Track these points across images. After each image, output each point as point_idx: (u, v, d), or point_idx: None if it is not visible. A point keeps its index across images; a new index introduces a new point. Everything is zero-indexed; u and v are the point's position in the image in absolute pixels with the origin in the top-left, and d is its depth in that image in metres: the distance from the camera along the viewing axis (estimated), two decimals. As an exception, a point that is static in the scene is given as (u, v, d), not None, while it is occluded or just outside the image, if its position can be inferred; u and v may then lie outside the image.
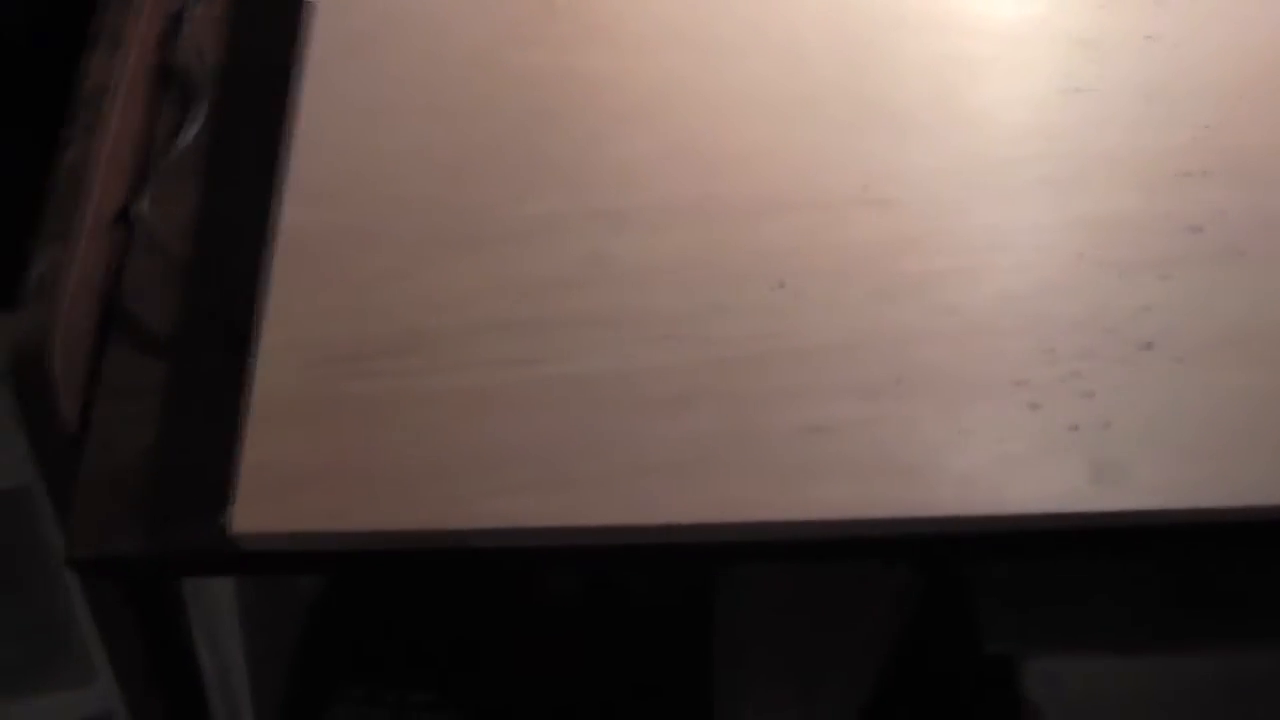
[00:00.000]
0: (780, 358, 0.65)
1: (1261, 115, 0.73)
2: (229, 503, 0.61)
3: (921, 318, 0.66)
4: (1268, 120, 0.73)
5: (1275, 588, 0.84)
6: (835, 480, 0.62)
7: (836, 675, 0.96)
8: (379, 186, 0.70)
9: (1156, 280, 0.67)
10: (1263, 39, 0.75)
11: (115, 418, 0.67)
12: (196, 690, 0.77)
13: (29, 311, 0.66)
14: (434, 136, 0.72)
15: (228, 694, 0.94)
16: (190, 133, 0.76)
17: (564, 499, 0.61)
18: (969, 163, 0.71)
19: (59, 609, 0.89)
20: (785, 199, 0.69)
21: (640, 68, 0.74)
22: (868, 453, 0.62)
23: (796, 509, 0.61)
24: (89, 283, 0.70)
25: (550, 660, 1.04)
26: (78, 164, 0.71)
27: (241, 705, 0.97)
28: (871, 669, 0.94)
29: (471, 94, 0.73)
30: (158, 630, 0.71)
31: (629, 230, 0.68)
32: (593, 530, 0.61)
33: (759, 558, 0.63)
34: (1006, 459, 0.62)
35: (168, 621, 0.72)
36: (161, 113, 0.78)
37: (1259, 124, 0.73)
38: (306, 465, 0.62)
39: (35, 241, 0.69)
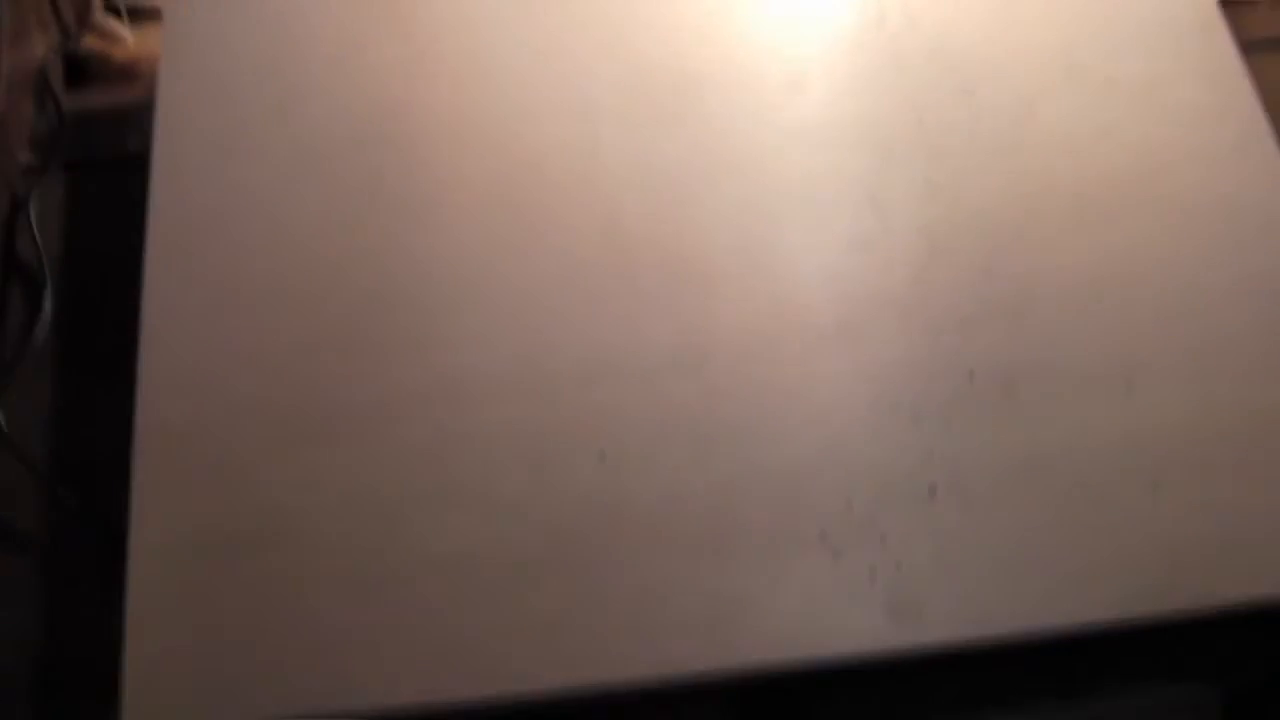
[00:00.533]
0: (607, 526, 0.71)
1: (1032, 259, 0.80)
2: (119, 698, 0.65)
3: (733, 476, 0.73)
4: (1040, 260, 0.80)
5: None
6: (667, 637, 0.68)
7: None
8: (229, 379, 0.75)
9: (940, 425, 0.75)
10: (1035, 185, 0.82)
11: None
12: None
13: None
14: (276, 325, 0.76)
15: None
16: (41, 331, 0.80)
17: (433, 674, 0.67)
18: (772, 317, 0.77)
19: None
20: (605, 368, 0.75)
21: (465, 242, 0.79)
22: (694, 608, 0.69)
23: (636, 667, 0.68)
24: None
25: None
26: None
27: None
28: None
29: (307, 280, 0.78)
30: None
31: (462, 407, 0.74)
32: (447, 703, 0.67)
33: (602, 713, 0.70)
34: (814, 605, 0.70)
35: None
36: (8, 307, 0.82)
37: (1031, 264, 0.80)
38: (189, 654, 0.67)
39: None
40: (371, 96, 0.83)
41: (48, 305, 0.82)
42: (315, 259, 0.78)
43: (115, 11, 0.99)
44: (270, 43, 0.85)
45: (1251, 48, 0.90)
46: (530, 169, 0.81)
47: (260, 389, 0.74)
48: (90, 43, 0.98)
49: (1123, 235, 0.81)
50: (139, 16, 1.00)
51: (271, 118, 0.82)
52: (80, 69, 0.97)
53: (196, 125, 0.82)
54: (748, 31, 0.87)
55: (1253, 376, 0.77)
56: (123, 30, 0.98)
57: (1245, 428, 0.76)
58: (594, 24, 0.86)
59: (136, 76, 0.97)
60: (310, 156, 0.81)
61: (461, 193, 0.81)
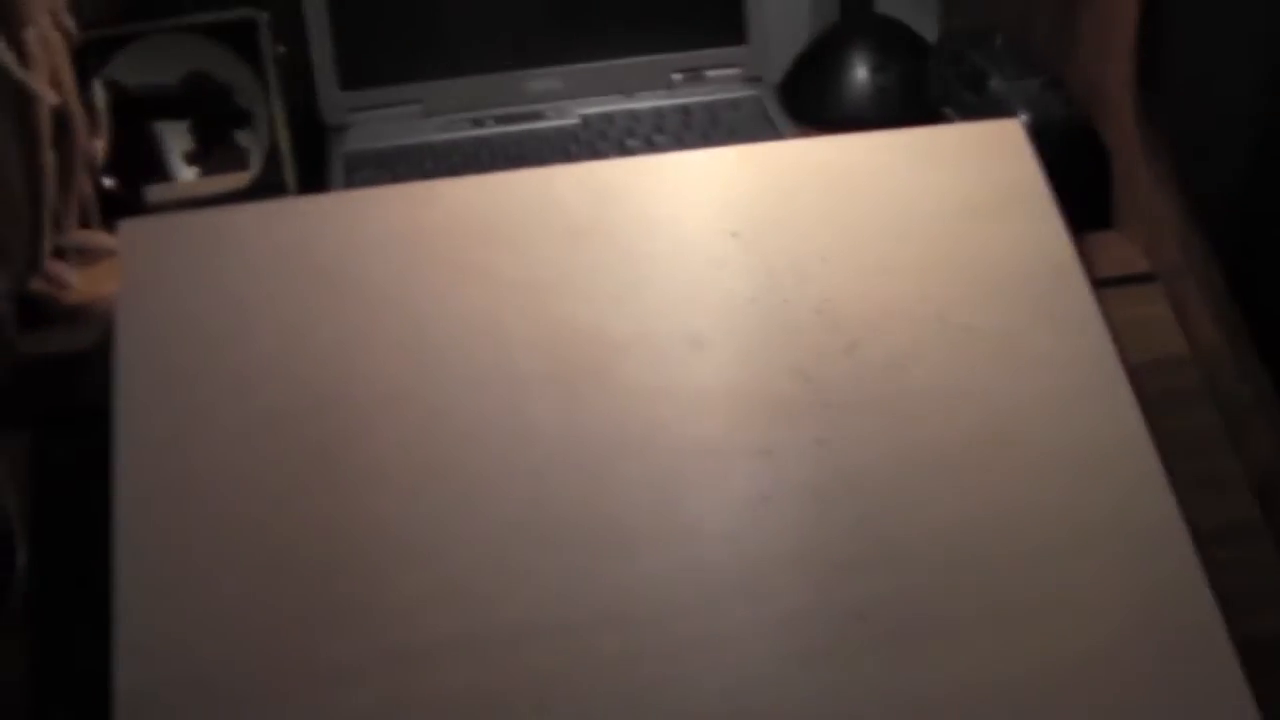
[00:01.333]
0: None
1: (912, 507, 0.91)
2: None
3: (661, 721, 0.83)
4: (918, 511, 0.90)
5: None
6: None
7: None
8: (199, 646, 0.82)
9: (836, 668, 0.85)
10: (909, 440, 0.93)
11: None
12: None
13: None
14: (240, 594, 0.84)
15: None
16: (15, 596, 0.87)
17: None
18: (684, 574, 0.87)
19: None
20: (536, 629, 0.85)
21: (407, 510, 0.88)
22: None
23: None
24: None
25: None
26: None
27: None
28: None
29: (262, 551, 0.85)
30: None
31: (424, 666, 0.83)
32: None
33: None
34: None
35: None
36: (-15, 567, 0.89)
37: (909, 515, 0.90)
38: None
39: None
40: (321, 370, 0.92)
41: (21, 563, 0.88)
42: (277, 528, 0.86)
43: (61, 254, 1.06)
44: (224, 319, 0.93)
45: (1104, 284, 1.03)
46: (465, 437, 0.90)
47: (233, 650, 0.82)
48: (38, 285, 1.04)
49: (988, 485, 0.92)
50: (83, 256, 1.08)
51: (228, 390, 0.90)
52: (30, 313, 1.04)
53: (157, 400, 0.90)
54: (653, 295, 0.97)
55: (1104, 617, 0.88)
56: (69, 275, 1.05)
57: (1103, 665, 0.86)
58: (517, 295, 0.96)
59: (86, 320, 1.04)
60: (267, 426, 0.89)
61: (402, 461, 0.89)
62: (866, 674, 0.85)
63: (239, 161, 1.20)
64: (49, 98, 1.00)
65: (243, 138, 1.21)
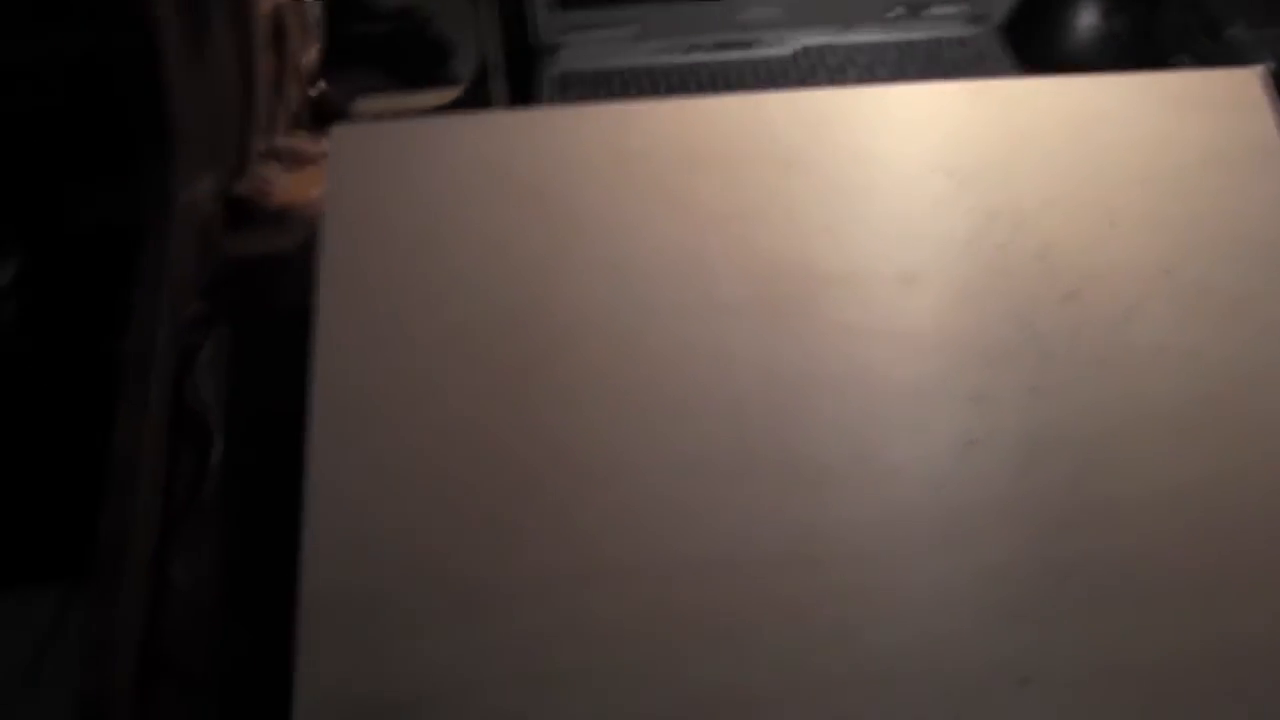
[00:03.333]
0: (724, 707, 0.79)
1: (1129, 466, 0.86)
2: None
3: (843, 667, 0.80)
4: (1135, 470, 0.86)
5: None
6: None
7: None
8: (386, 553, 0.82)
9: (1033, 624, 0.82)
10: (1131, 395, 0.89)
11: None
12: None
13: (88, 674, 0.78)
14: (431, 502, 0.83)
15: None
16: (209, 485, 0.88)
17: None
18: (880, 519, 0.84)
19: None
20: (725, 560, 0.82)
21: (603, 431, 0.86)
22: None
23: None
24: (132, 633, 0.82)
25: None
26: (116, 527, 0.83)
27: None
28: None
29: (458, 461, 0.85)
30: None
31: (599, 590, 0.81)
32: None
33: None
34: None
35: None
36: (180, 459, 0.90)
37: (1126, 474, 0.86)
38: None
39: (86, 601, 0.81)
40: (517, 288, 0.90)
41: (216, 459, 0.89)
42: (465, 442, 0.85)
43: (270, 157, 1.07)
44: (425, 230, 0.92)
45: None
46: (662, 365, 0.88)
47: (417, 562, 0.82)
48: (245, 187, 1.05)
49: (1210, 451, 0.87)
50: (291, 160, 1.08)
51: (425, 302, 0.89)
52: (236, 214, 1.05)
53: (354, 308, 0.89)
54: (864, 231, 0.94)
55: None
56: (279, 177, 1.05)
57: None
58: (722, 225, 0.93)
59: (290, 223, 1.04)
60: (460, 342, 0.88)
61: (599, 385, 0.87)
62: (1069, 636, 0.82)
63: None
64: (266, 1, 1.00)
65: (448, 71, 1.20)
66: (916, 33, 1.20)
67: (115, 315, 0.94)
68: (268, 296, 0.98)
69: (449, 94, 1.18)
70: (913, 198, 0.96)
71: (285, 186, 1.05)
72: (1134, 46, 1.19)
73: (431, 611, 0.80)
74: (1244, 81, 1.02)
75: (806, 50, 1.18)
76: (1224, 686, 0.80)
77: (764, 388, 0.88)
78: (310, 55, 1.12)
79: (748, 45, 1.19)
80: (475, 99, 1.17)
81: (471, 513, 0.83)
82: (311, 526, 0.82)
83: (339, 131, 0.98)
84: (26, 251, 1.20)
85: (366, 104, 1.19)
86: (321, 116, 1.12)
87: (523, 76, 1.19)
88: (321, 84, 1.14)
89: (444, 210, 0.94)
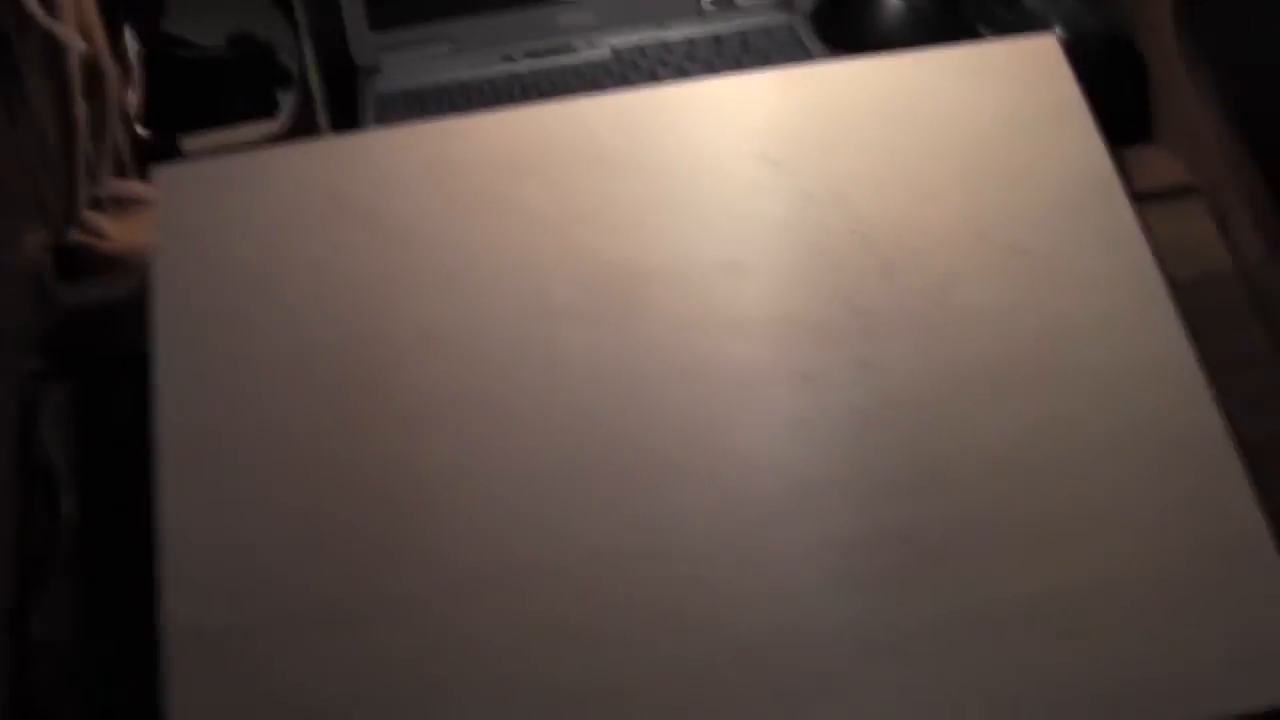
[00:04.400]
0: (592, 704, 0.81)
1: (957, 428, 0.90)
2: None
3: (703, 650, 0.82)
4: (962, 432, 0.90)
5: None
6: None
7: None
8: (247, 580, 0.83)
9: (883, 591, 0.85)
10: (954, 361, 0.92)
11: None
12: None
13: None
14: (286, 529, 0.84)
15: None
16: (63, 538, 0.88)
17: None
18: (727, 502, 0.87)
19: None
20: (584, 554, 0.84)
21: (448, 444, 0.88)
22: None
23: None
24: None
25: None
26: (-30, 588, 0.83)
27: None
28: None
29: (309, 485, 0.86)
30: None
31: (457, 602, 0.83)
32: None
33: None
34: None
35: None
36: (32, 513, 0.90)
37: (955, 436, 0.90)
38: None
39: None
40: (353, 309, 0.92)
41: (68, 511, 0.89)
42: (314, 468, 0.86)
43: (96, 204, 1.07)
44: (257, 261, 0.93)
45: (1144, 199, 1.01)
46: (500, 373, 0.90)
47: (276, 590, 0.83)
48: (75, 236, 1.05)
49: (1032, 406, 0.91)
50: (118, 206, 1.08)
51: (262, 332, 0.91)
52: (69, 263, 1.04)
53: (193, 344, 0.90)
54: (689, 224, 0.96)
55: (1159, 537, 0.87)
56: (107, 225, 1.05)
57: (1150, 579, 0.86)
58: (551, 230, 0.95)
59: (125, 268, 1.04)
60: (300, 368, 0.90)
61: (441, 394, 0.89)
62: (913, 596, 0.85)
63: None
64: (78, 46, 1.00)
65: (285, 97, 1.21)
66: (727, 26, 1.23)
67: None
68: (108, 344, 0.98)
69: (274, 125, 1.19)
70: (733, 187, 0.99)
71: (115, 233, 1.05)
72: (939, 21, 1.23)
73: (295, 638, 0.82)
74: (1043, 48, 1.06)
75: (620, 51, 1.21)
76: (1063, 629, 0.84)
77: (601, 386, 0.90)
78: (131, 97, 1.12)
79: (562, 51, 1.21)
80: (300, 127, 1.17)
81: (326, 536, 0.85)
82: (168, 567, 0.83)
83: (163, 172, 0.99)
84: None
85: (193, 142, 1.19)
86: (149, 159, 1.12)
87: (345, 100, 1.20)
88: (145, 129, 1.14)
89: (274, 240, 0.95)
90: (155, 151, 1.15)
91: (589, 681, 0.81)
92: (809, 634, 0.83)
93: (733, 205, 0.97)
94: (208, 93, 1.22)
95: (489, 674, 0.81)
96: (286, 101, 1.19)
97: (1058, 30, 1.08)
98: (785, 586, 0.85)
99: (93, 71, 1.03)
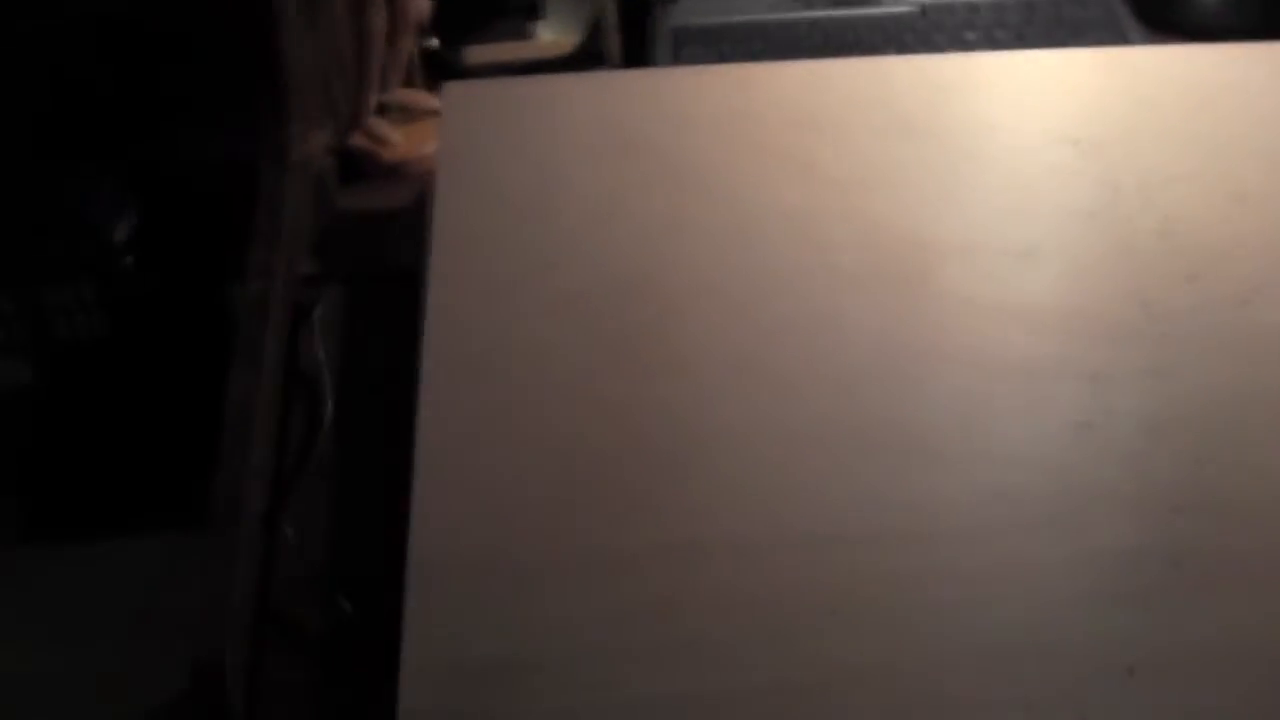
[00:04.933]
0: (834, 684, 0.78)
1: (1248, 452, 0.84)
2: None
3: (946, 649, 0.79)
4: (1253, 457, 0.84)
5: None
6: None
7: None
8: (496, 515, 0.82)
9: (1142, 611, 0.80)
10: (1250, 379, 0.87)
11: (280, 716, 0.81)
12: None
13: (202, 628, 0.80)
14: (541, 467, 0.83)
15: None
16: (319, 445, 0.89)
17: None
18: (992, 501, 0.83)
19: None
20: (838, 532, 0.82)
21: (716, 400, 0.85)
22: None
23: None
24: (246, 589, 0.83)
25: None
26: (230, 481, 0.84)
27: None
28: None
29: (567, 426, 0.85)
30: None
31: (710, 560, 0.81)
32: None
33: None
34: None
35: None
36: (291, 417, 0.90)
37: (1244, 461, 0.84)
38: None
39: (200, 554, 0.82)
40: (631, 251, 0.90)
41: (328, 417, 0.90)
42: (577, 406, 0.85)
43: (382, 111, 1.07)
44: (538, 190, 0.92)
45: None
46: (775, 334, 0.87)
47: (528, 524, 0.82)
48: (359, 142, 1.05)
49: (1334, 438, 0.85)
50: (404, 114, 1.08)
51: (537, 264, 0.89)
52: (349, 168, 1.05)
53: (467, 269, 0.90)
54: (984, 202, 0.92)
55: None
56: (392, 133, 1.05)
57: None
58: (840, 191, 0.92)
59: (404, 178, 1.04)
60: (572, 305, 0.88)
61: (711, 352, 0.87)
62: (1175, 620, 0.80)
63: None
64: (382, -46, 0.99)
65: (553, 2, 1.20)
66: (1038, -7, 1.17)
67: (231, 267, 0.95)
68: (381, 254, 0.98)
69: (563, 44, 1.17)
70: (1034, 168, 0.94)
71: (398, 142, 1.05)
72: (1270, 10, 1.15)
73: (543, 574, 0.81)
74: (1384, 54, 0.99)
75: (928, 8, 1.16)
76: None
77: (879, 360, 0.87)
78: (422, 8, 1.11)
79: (869, 3, 1.16)
80: (589, 51, 1.16)
81: (581, 478, 0.83)
82: (421, 487, 0.83)
83: (452, 88, 0.98)
84: (143, 205, 1.21)
85: (478, 53, 1.18)
86: (434, 70, 1.12)
87: (637, 28, 1.17)
88: (434, 38, 1.13)
89: (557, 171, 0.93)
90: (442, 62, 1.14)
91: (832, 657, 0.78)
92: (1060, 646, 0.79)
93: (1032, 188, 0.93)
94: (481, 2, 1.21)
95: (736, 637, 0.79)
96: (578, 20, 1.17)
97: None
98: (1040, 594, 0.81)
99: (393, -21, 1.03)
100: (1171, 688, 0.78)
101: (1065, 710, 0.77)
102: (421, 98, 1.09)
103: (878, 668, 0.79)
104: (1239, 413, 0.86)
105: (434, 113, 1.07)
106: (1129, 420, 0.86)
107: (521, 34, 1.21)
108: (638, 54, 1.15)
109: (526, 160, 0.94)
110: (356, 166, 1.05)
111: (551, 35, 1.21)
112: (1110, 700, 0.78)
